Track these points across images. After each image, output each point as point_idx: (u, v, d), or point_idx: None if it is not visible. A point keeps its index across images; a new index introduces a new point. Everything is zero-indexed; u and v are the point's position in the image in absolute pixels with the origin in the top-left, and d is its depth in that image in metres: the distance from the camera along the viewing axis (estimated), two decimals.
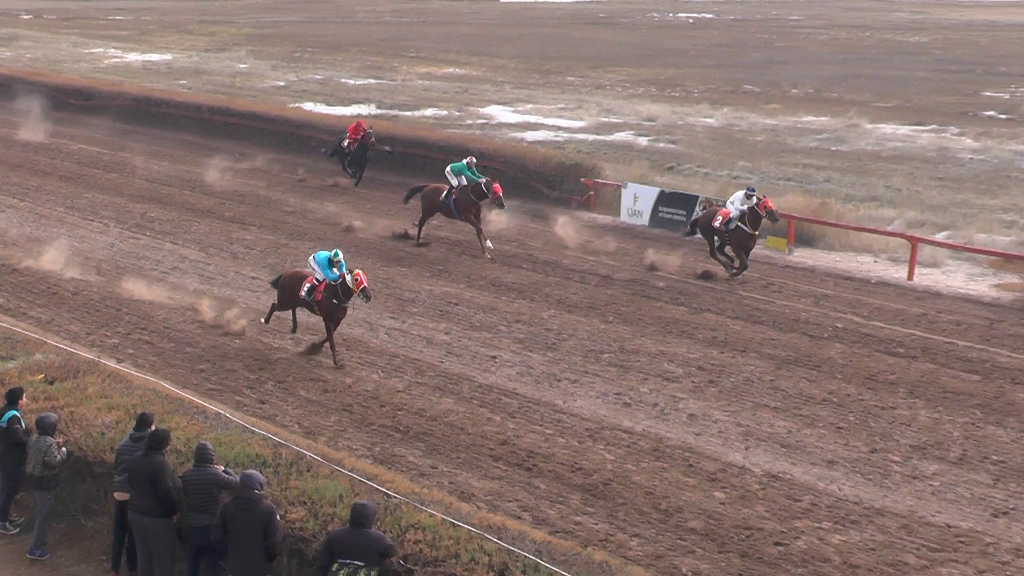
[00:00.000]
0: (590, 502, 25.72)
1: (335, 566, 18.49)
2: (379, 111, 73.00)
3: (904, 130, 72.25)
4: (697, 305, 39.25)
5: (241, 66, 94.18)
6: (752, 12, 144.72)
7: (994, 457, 28.43)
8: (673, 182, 52.26)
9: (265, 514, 19.17)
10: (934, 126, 73.40)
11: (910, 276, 42.85)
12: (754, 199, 39.80)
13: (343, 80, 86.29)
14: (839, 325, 37.63)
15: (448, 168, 44.61)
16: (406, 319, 37.24)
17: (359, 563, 18.42)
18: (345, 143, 52.83)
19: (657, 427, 29.13)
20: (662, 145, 65.59)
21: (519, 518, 23.66)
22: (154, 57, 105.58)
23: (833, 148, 66.46)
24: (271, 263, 42.23)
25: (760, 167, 59.93)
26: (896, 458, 28.47)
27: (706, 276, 41.72)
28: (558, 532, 23.11)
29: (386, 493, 20.60)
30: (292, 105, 72.86)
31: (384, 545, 18.72)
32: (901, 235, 45.32)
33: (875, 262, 45.08)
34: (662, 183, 51.79)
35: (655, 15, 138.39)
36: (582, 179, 51.47)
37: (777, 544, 24.27)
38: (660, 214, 48.42)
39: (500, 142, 60.13)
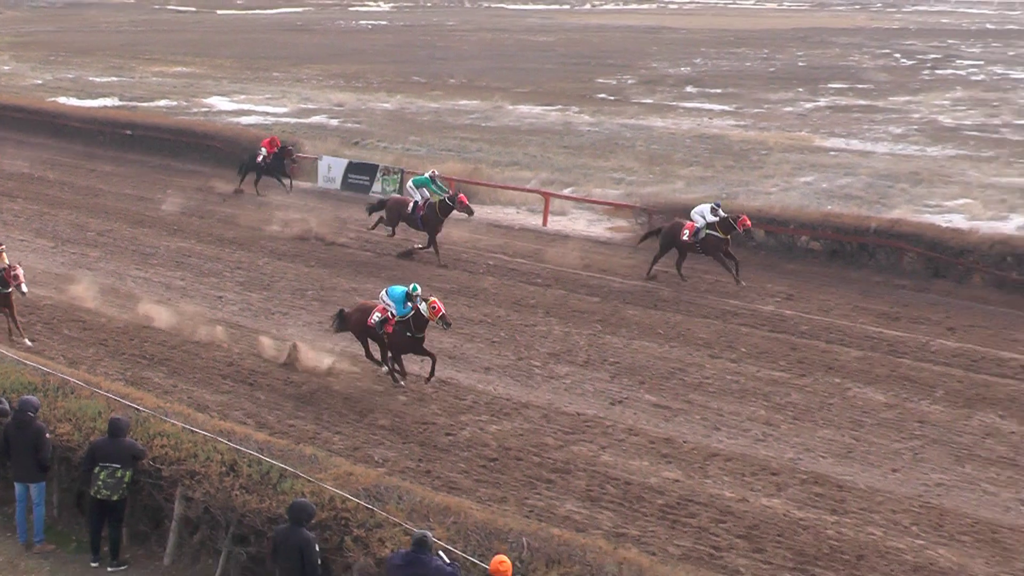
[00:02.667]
0: (301, 408, 25.66)
1: (97, 469, 18.26)
2: (121, 103, 71.32)
3: (537, 110, 72.82)
4: (380, 251, 39.30)
5: (5, 68, 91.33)
6: (417, 19, 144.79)
7: (611, 359, 28.99)
8: (359, 154, 52.11)
9: (36, 432, 18.91)
10: (560, 106, 74.07)
11: (544, 223, 43.55)
12: (721, 211, 36.25)
13: (90, 78, 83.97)
14: (491, 263, 37.98)
15: (410, 183, 39.88)
16: (148, 269, 36.61)
17: (116, 465, 18.25)
18: (260, 157, 47.36)
19: (352, 347, 29.00)
20: (349, 125, 65.26)
21: (245, 423, 23.39)
22: None
23: (483, 125, 66.75)
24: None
25: (427, 140, 59.90)
26: (537, 363, 28.90)
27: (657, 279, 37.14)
28: (276, 433, 22.87)
29: (136, 408, 20.25)
30: (49, 99, 70.89)
31: (136, 450, 18.61)
32: (536, 191, 46.06)
33: (517, 213, 45.53)
34: (350, 155, 51.56)
35: (341, 22, 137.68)
36: (287, 154, 50.90)
37: (448, 434, 24.48)
38: (349, 180, 48.10)
39: (220, 125, 59.25)
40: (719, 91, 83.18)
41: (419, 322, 26.60)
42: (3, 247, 30.03)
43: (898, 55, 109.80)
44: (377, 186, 47.48)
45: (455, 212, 38.09)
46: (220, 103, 72.61)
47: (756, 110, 74.64)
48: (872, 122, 70.43)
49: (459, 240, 39.73)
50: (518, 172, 50.95)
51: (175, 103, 71.81)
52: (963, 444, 24.78)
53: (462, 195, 38.64)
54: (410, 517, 16.85)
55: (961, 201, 47.92)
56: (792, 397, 27.26)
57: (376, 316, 27.05)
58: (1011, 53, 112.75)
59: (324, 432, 24.32)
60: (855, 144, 62.44)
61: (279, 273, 36.49)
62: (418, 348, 27.07)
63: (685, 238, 35.95)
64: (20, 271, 28.67)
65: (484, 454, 23.68)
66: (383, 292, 27.58)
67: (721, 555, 19.97)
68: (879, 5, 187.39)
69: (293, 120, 65.85)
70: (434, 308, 26.38)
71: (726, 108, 75.34)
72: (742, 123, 69.47)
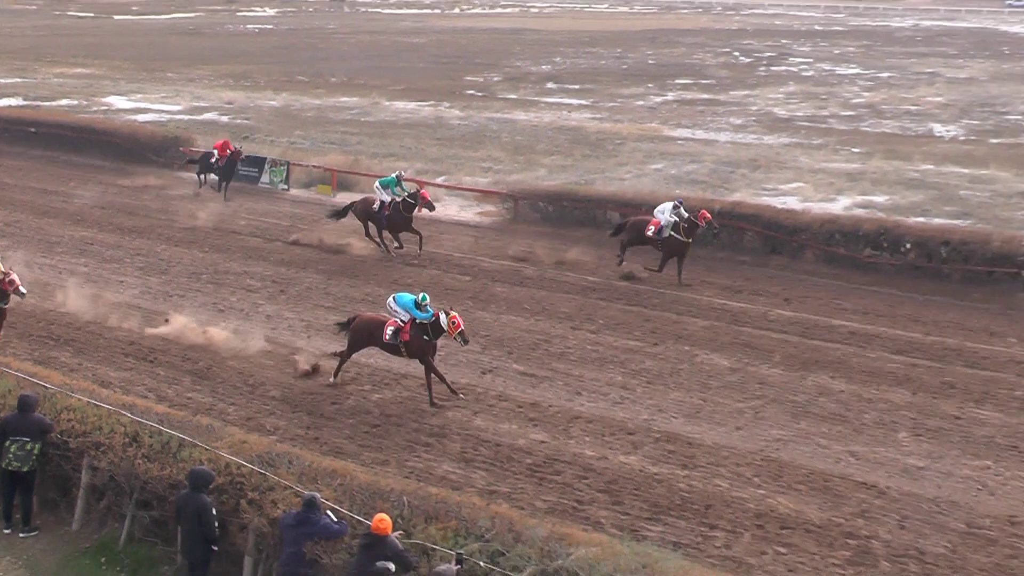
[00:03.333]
0: (198, 383, 25.44)
1: (7, 443, 18.10)
2: (25, 102, 70.09)
3: (411, 105, 72.46)
4: (271, 237, 39.00)
5: None
6: (301, 23, 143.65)
7: (482, 333, 28.92)
8: (248, 148, 51.45)
9: None
10: (432, 102, 73.77)
11: (419, 209, 42.96)
12: (682, 210, 34.63)
13: None
14: (372, 246, 37.80)
15: (376, 183, 37.87)
16: (53, 257, 36.07)
17: (26, 439, 18.14)
18: (213, 159, 45.19)
19: (244, 325, 28.83)
20: (239, 121, 64.62)
21: (146, 397, 23.17)
22: None
23: (362, 120, 66.37)
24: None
25: (311, 135, 59.46)
26: None
27: (630, 277, 35.04)
28: (175, 405, 22.68)
29: (44, 385, 20.05)
30: None
31: (45, 424, 18.47)
32: (412, 180, 45.67)
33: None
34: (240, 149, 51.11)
35: (230, 26, 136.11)
36: (180, 148, 50.34)
37: (333, 403, 24.44)
38: (240, 172, 47.37)
39: (119, 123, 58.34)
40: (577, 87, 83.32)
41: (436, 330, 24.52)
42: None
43: (737, 54, 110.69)
44: (265, 177, 47.11)
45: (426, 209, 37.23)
46: (118, 102, 71.56)
47: (610, 104, 74.82)
48: (715, 114, 70.93)
49: (345, 225, 39.48)
50: (395, 163, 50.53)
51: (76, 102, 70.68)
52: (798, 403, 25.18)
53: (424, 191, 37.39)
54: (300, 480, 16.91)
55: (794, 185, 48.56)
56: (646, 364, 27.48)
57: (389, 331, 24.76)
58: (836, 52, 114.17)
59: (219, 404, 24.13)
60: (700, 134, 62.85)
61: (175, 258, 36.06)
62: (429, 354, 24.84)
63: (649, 234, 34.66)
64: (14, 276, 25.80)
65: (367, 421, 23.70)
66: (390, 300, 25.45)
67: (584, 508, 20.14)
68: (719, 9, 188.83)
69: (186, 117, 65.07)
70: (454, 323, 24.36)
71: (583, 102, 75.45)
72: (598, 116, 69.59)
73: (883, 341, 29.44)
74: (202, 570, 16.70)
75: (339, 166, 47.77)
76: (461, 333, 24.53)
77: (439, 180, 47.03)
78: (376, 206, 36.64)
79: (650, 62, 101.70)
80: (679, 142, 60.01)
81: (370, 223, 37.17)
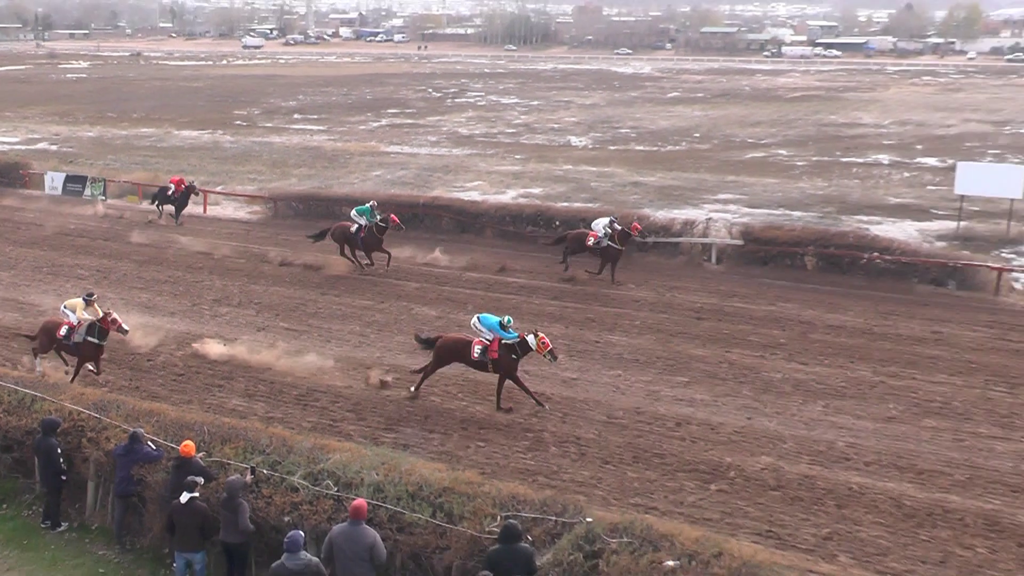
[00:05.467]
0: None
1: None
2: None
3: (195, 133, 70.15)
4: (94, 236, 37.07)
5: None
6: (108, 72, 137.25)
7: (255, 301, 28.25)
8: (73, 169, 48.91)
9: None
10: (209, 130, 71.67)
11: (204, 211, 41.78)
12: (617, 225, 31.39)
13: None
14: (170, 240, 36.32)
15: (353, 211, 32.74)
16: None
17: None
18: (170, 192, 39.82)
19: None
20: (65, 149, 61.42)
21: (3, 366, 22.01)
22: None
23: (159, 145, 63.83)
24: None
25: (120, 158, 56.75)
26: (206, 307, 28.05)
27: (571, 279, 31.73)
28: (28, 370, 21.61)
29: None
30: None
31: None
32: (204, 191, 44.03)
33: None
34: (67, 170, 48.32)
35: (53, 76, 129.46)
36: (21, 171, 47.62)
37: (148, 360, 23.45)
38: (67, 187, 44.78)
39: None
40: (316, 117, 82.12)
41: (524, 349, 20.75)
42: (95, 297, 22.90)
43: (430, 90, 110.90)
44: (88, 191, 44.62)
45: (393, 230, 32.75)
46: None
47: (341, 128, 74.04)
48: (416, 134, 70.94)
49: (154, 228, 38.03)
50: (184, 177, 49.02)
51: None
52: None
53: (393, 216, 33.10)
54: (126, 420, 16.30)
55: (476, 183, 48.94)
56: (376, 317, 27.31)
57: (477, 349, 20.99)
58: (501, 87, 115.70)
59: (63, 367, 22.84)
60: (406, 148, 62.70)
61: (20, 257, 33.96)
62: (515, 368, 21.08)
63: (589, 244, 31.34)
64: (115, 315, 21.87)
65: (174, 372, 22.84)
66: (475, 320, 21.57)
67: (337, 424, 19.92)
68: (416, 59, 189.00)
69: (23, 147, 61.25)
70: (543, 342, 20.63)
71: (321, 128, 74.38)
72: (332, 137, 68.66)
73: (543, 291, 29.93)
74: (55, 495, 16.04)
75: (143, 181, 45.76)
76: (551, 351, 20.81)
77: (218, 188, 45.64)
78: (353, 229, 32.41)
79: (368, 97, 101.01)
80: (392, 155, 59.71)
81: (346, 244, 32.68)
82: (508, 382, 20.93)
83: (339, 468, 14.70)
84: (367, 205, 32.81)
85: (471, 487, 14.24)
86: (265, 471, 14.69)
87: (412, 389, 21.58)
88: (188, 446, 14.75)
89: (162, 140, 67.18)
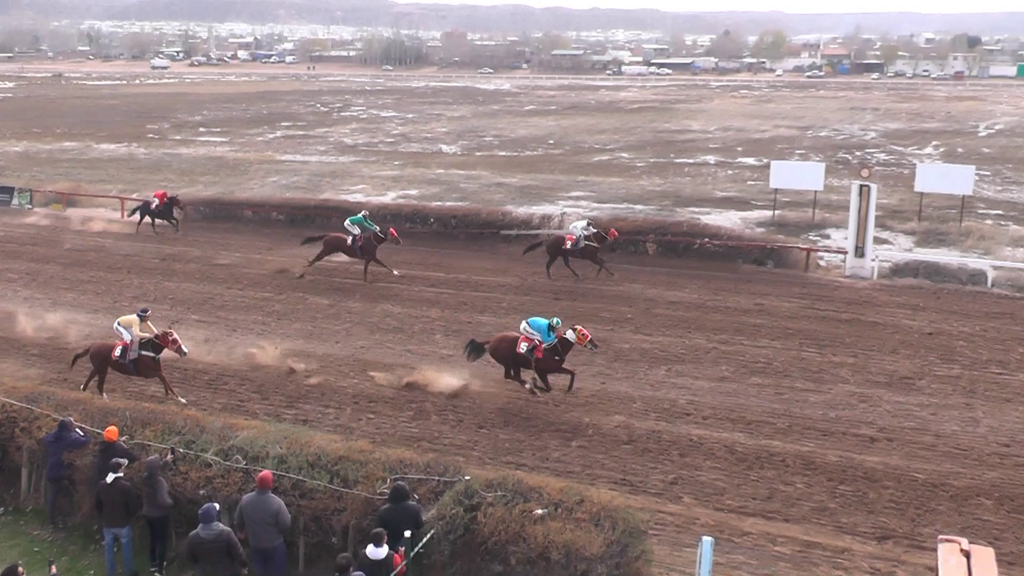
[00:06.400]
0: None
1: None
2: None
3: (112, 146, 67.41)
4: (23, 242, 35.38)
5: None
6: (33, 92, 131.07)
7: (170, 296, 27.37)
8: (1, 181, 46.69)
9: None
10: (125, 143, 68.95)
11: (123, 216, 39.62)
12: (591, 228, 29.75)
13: None
14: (92, 244, 35.03)
15: (347, 221, 29.97)
16: None
17: None
18: (154, 205, 36.70)
19: (6, 304, 26.35)
20: None
21: None
22: None
23: (80, 158, 61.03)
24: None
25: (45, 170, 53.92)
26: (125, 303, 27.03)
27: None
28: None
29: None
30: None
31: None
32: (116, 196, 42.43)
33: (106, 211, 40.99)
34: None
35: None
36: None
37: (75, 354, 22.64)
38: None
39: None
40: (219, 130, 79.81)
41: (565, 347, 19.60)
42: (149, 313, 20.82)
43: (319, 105, 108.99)
44: (15, 200, 42.51)
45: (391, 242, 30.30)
46: None
47: (241, 140, 72.09)
48: (307, 144, 69.50)
49: (67, 230, 36.56)
50: (102, 185, 47.33)
51: None
52: (373, 323, 25.14)
53: (392, 229, 30.55)
54: (56, 410, 15.68)
55: (360, 186, 48.26)
56: (276, 307, 26.74)
57: (524, 346, 19.73)
58: (380, 102, 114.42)
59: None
60: (299, 157, 61.36)
61: None
62: (561, 367, 19.98)
63: (567, 247, 29.64)
64: (175, 335, 19.61)
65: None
66: (524, 323, 20.04)
67: (244, 404, 19.49)
68: (306, 78, 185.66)
69: None
70: (583, 335, 19.47)
71: (224, 140, 72.26)
72: (234, 148, 66.73)
73: (422, 280, 29.67)
74: None
75: (66, 190, 43.80)
76: (591, 341, 19.64)
77: (134, 195, 43.97)
78: (349, 240, 29.58)
79: (264, 112, 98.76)
80: (286, 163, 58.36)
81: (343, 255, 29.97)
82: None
83: (247, 444, 14.41)
84: (359, 215, 30.42)
85: (363, 455, 14.14)
86: (182, 450, 14.32)
87: (529, 388, 19.88)
88: (112, 431, 14.26)
89: (83, 153, 64.43)
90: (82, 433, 14.83)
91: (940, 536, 8.13)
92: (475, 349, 20.60)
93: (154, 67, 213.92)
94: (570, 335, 19.49)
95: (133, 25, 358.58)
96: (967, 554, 7.91)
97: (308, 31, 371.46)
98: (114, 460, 13.61)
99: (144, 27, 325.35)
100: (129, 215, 37.81)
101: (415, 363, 21.35)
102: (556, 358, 19.64)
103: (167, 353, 19.68)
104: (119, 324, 19.69)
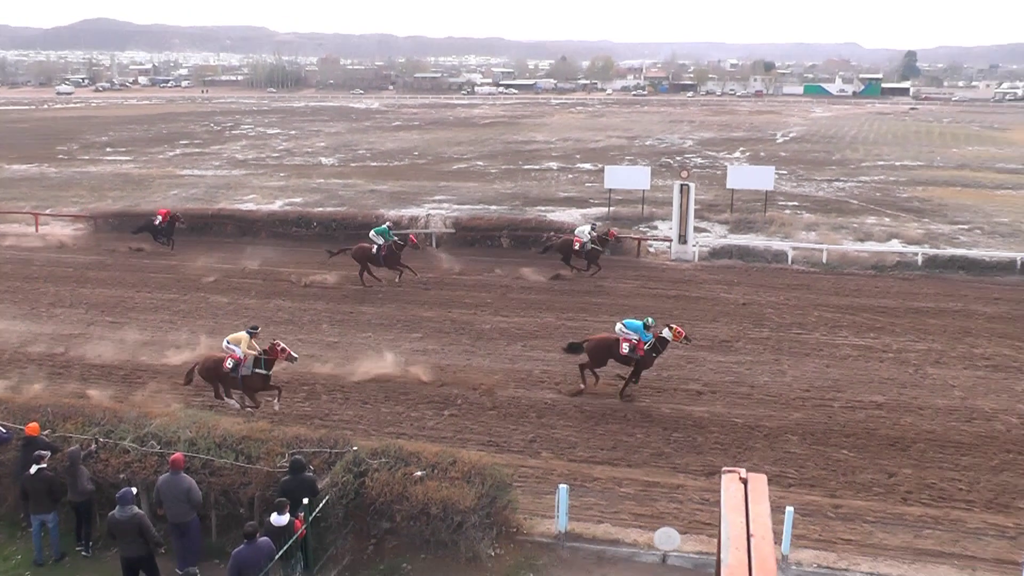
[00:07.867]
0: None
1: None
2: None
3: (24, 166, 62.60)
4: None
5: None
6: None
7: (86, 302, 26.00)
8: None
9: None
10: (36, 163, 64.35)
11: (37, 231, 37.32)
12: (596, 231, 28.95)
13: None
14: (14, 257, 32.79)
15: (372, 231, 28.03)
16: None
17: None
18: (156, 221, 33.32)
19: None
20: None
21: None
22: None
23: None
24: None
25: None
26: (43, 309, 25.49)
27: (556, 277, 28.58)
28: None
29: None
30: None
31: None
32: (31, 212, 39.82)
33: (20, 227, 38.21)
34: None
35: None
36: None
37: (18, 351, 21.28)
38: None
39: None
40: (124, 149, 75.45)
41: (663, 344, 18.25)
42: (259, 330, 18.40)
43: (213, 125, 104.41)
44: None
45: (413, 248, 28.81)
46: None
47: (144, 157, 68.37)
48: (203, 159, 66.58)
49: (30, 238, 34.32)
50: (16, 203, 44.30)
51: None
52: (267, 316, 24.38)
53: (412, 235, 28.96)
54: None
55: (251, 196, 46.67)
56: (181, 307, 25.62)
57: (625, 347, 18.12)
58: (267, 120, 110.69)
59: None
60: (196, 171, 58.72)
61: None
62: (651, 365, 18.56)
63: (576, 248, 28.63)
64: (283, 344, 17.64)
65: (18, 366, 20.64)
66: (619, 325, 18.46)
67: (158, 395, 18.56)
68: (200, 100, 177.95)
69: None
70: (678, 332, 18.15)
71: (129, 158, 68.37)
72: (138, 165, 63.23)
73: (311, 277, 29.07)
74: None
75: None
76: (686, 337, 18.49)
77: (48, 211, 41.33)
78: (374, 249, 27.67)
79: (164, 131, 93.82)
80: (185, 177, 55.78)
81: (368, 263, 27.82)
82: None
83: (160, 430, 13.88)
84: (384, 226, 28.72)
85: (264, 433, 13.84)
86: (101, 439, 13.66)
87: (581, 385, 18.68)
88: (33, 426, 13.42)
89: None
90: (4, 430, 13.93)
91: (723, 468, 8.51)
92: (574, 348, 19.23)
93: (59, 93, 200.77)
94: (666, 333, 18.26)
95: (39, 54, 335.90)
96: (744, 481, 8.28)
97: (201, 58, 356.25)
98: (37, 452, 12.82)
99: (49, 55, 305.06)
100: (133, 233, 34.29)
101: (296, 349, 20.90)
102: (653, 355, 18.33)
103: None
104: (228, 342, 17.57)
